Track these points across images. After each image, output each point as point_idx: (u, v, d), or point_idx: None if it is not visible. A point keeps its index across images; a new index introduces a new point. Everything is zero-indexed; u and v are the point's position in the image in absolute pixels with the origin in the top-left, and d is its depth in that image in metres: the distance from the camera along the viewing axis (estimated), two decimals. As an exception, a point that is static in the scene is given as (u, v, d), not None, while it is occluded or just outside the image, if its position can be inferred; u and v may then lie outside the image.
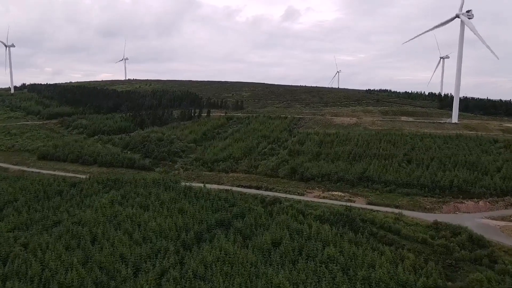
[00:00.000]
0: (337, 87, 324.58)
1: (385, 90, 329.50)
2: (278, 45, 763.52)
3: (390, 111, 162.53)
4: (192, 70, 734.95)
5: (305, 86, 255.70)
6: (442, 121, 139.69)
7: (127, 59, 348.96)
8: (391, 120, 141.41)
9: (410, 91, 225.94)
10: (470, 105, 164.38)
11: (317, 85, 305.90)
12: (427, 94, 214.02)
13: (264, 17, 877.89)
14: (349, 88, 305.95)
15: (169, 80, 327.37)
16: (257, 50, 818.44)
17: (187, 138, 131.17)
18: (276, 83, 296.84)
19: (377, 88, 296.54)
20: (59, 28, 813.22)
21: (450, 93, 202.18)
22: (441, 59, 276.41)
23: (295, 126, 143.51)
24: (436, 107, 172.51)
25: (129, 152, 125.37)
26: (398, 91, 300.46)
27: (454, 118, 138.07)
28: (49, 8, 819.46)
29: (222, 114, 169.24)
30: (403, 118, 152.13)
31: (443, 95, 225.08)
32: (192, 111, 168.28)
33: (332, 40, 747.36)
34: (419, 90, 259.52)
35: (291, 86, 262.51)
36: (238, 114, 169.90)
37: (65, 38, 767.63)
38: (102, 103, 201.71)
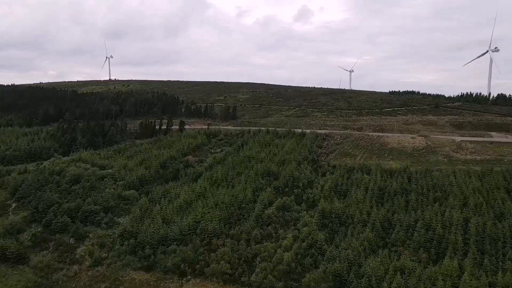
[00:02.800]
0: (349, 88, 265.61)
1: (412, 92, 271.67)
2: (282, 47, 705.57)
3: (466, 123, 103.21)
4: (197, 73, 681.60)
5: (322, 87, 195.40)
6: None
7: (111, 57, 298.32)
8: (490, 143, 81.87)
9: (468, 93, 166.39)
10: None
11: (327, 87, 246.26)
12: (494, 97, 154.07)
13: (276, 18, 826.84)
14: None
15: (154, 81, 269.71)
16: (262, 52, 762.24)
17: (129, 175, 72.54)
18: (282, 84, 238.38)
19: (384, 90, 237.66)
20: (64, 29, 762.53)
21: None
22: (488, 53, 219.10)
23: (321, 152, 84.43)
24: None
25: (13, 205, 67.05)
26: (429, 93, 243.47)
27: None
28: (53, 8, 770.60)
29: (203, 127, 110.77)
30: (496, 135, 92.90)
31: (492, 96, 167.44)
32: (158, 122, 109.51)
33: (338, 41, 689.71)
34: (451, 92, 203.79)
35: (303, 87, 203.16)
36: (228, 127, 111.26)
37: (70, 40, 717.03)
38: (44, 109, 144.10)
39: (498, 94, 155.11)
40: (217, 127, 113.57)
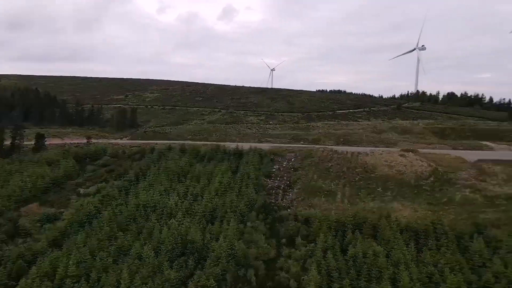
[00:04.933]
0: (271, 87, 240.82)
1: (339, 91, 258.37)
2: (204, 46, 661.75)
3: (448, 130, 78.99)
4: (110, 72, 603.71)
5: (251, 86, 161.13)
6: None
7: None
8: None
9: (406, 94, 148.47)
10: None
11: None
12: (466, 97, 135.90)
13: (199, 15, 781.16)
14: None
15: (41, 76, 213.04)
16: (183, 51, 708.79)
17: None
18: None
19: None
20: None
21: (509, 99, 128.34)
22: (416, 51, 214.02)
23: (273, 185, 50.59)
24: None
25: None
26: (355, 92, 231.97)
27: None
28: None
29: (81, 142, 70.25)
30: (497, 147, 69.04)
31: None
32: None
33: (258, 42, 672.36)
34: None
35: (227, 85, 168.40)
36: (122, 142, 72.20)
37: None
38: None
39: (477, 97, 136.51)
40: (104, 141, 73.78)
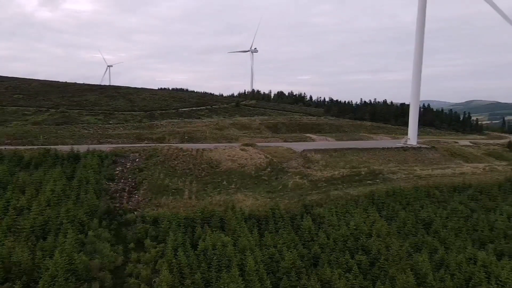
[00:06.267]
0: (109, 84, 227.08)
1: (181, 89, 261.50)
2: (20, 35, 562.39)
3: (280, 125, 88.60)
4: None
5: (88, 84, 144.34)
6: (398, 144, 76.12)
7: None
8: (334, 151, 66.48)
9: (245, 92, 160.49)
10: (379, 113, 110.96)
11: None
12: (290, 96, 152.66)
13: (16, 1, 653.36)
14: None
15: None
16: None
17: None
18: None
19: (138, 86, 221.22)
20: None
21: (324, 97, 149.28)
22: (250, 53, 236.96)
23: (116, 188, 47.47)
24: (326, 115, 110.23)
25: None
26: (197, 91, 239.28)
27: (413, 137, 77.38)
28: None
29: None
30: (318, 138, 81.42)
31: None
32: None
33: (90, 35, 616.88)
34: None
35: (56, 81, 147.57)
36: None
37: None
38: None
39: (297, 94, 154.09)
40: None
